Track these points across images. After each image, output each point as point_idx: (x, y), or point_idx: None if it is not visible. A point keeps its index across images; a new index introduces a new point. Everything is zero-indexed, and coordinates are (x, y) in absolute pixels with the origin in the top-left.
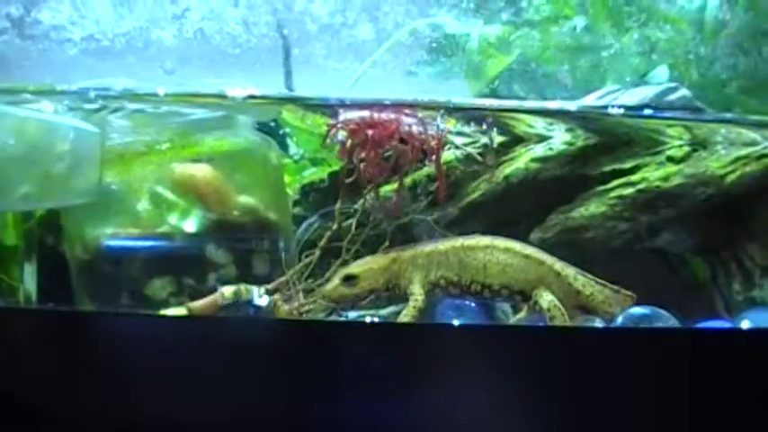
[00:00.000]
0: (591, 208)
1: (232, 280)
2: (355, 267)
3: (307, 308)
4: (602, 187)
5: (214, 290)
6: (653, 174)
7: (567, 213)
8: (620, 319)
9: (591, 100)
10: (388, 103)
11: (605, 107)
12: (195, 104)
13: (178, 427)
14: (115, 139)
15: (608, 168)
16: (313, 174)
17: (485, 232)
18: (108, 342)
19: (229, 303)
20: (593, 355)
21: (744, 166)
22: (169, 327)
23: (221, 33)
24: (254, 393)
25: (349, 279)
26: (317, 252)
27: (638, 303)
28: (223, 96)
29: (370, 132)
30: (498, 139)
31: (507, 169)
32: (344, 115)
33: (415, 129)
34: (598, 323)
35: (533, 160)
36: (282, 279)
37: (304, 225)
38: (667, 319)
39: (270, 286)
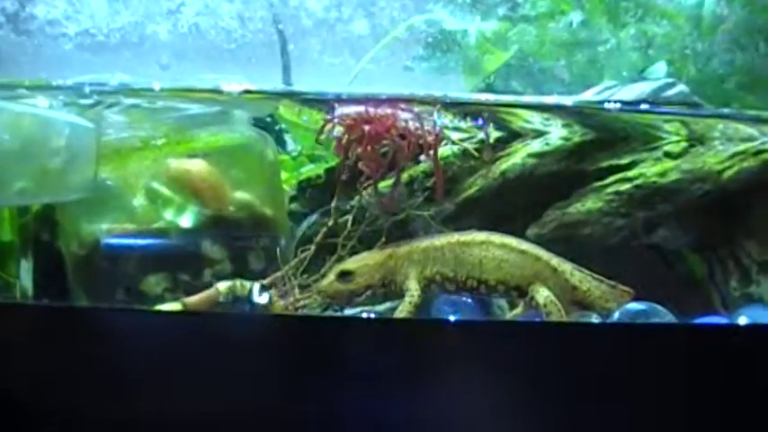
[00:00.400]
0: (587, 204)
1: (228, 276)
2: (351, 263)
3: (302, 303)
4: (599, 183)
5: (210, 286)
6: (650, 169)
7: (564, 209)
8: (616, 315)
9: (588, 96)
10: (384, 97)
11: (601, 102)
12: (191, 100)
13: (174, 423)
14: (111, 135)
15: (605, 164)
16: (310, 170)
17: (481, 228)
18: (104, 338)
19: (225, 299)
20: (589, 350)
21: (741, 162)
22: (165, 322)
23: (216, 28)
24: (250, 389)
25: (344, 275)
26: (313, 248)
27: (634, 299)
28: (218, 91)
29: (366, 128)
30: (495, 134)
31: (504, 165)
32: (340, 110)
33: (411, 124)
34: (594, 319)
35: (530, 156)
36: (278, 274)
37: (305, 222)
38: (664, 315)
39: (265, 282)
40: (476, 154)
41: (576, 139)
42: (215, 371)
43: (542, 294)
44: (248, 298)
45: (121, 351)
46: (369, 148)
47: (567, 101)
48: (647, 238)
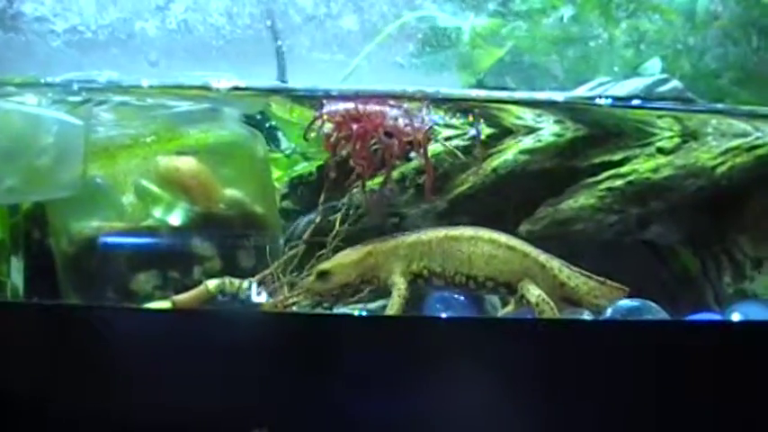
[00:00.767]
0: (580, 200)
1: (217, 273)
2: (328, 263)
3: (291, 301)
4: (592, 179)
5: (199, 283)
6: (643, 165)
7: (556, 206)
8: (609, 312)
9: (582, 92)
10: (375, 94)
11: (593, 98)
12: (180, 97)
13: (165, 421)
14: (100, 132)
15: (597, 160)
16: (303, 168)
17: (473, 225)
18: (95, 336)
19: (214, 296)
20: (582, 348)
21: (734, 158)
22: (155, 320)
23: (205, 25)
24: (241, 387)
25: (322, 275)
26: (301, 245)
27: (627, 296)
28: (207, 88)
29: (354, 126)
30: (487, 131)
31: (495, 161)
32: (328, 107)
33: (401, 121)
34: (586, 316)
35: (522, 152)
36: (266, 272)
37: (304, 220)
38: (657, 312)
39: (254, 279)
40: (460, 155)
41: (569, 135)
42: (205, 368)
43: (534, 293)
44: (237, 296)
45: (112, 349)
46: (358, 146)
47: (559, 97)
48: (639, 235)
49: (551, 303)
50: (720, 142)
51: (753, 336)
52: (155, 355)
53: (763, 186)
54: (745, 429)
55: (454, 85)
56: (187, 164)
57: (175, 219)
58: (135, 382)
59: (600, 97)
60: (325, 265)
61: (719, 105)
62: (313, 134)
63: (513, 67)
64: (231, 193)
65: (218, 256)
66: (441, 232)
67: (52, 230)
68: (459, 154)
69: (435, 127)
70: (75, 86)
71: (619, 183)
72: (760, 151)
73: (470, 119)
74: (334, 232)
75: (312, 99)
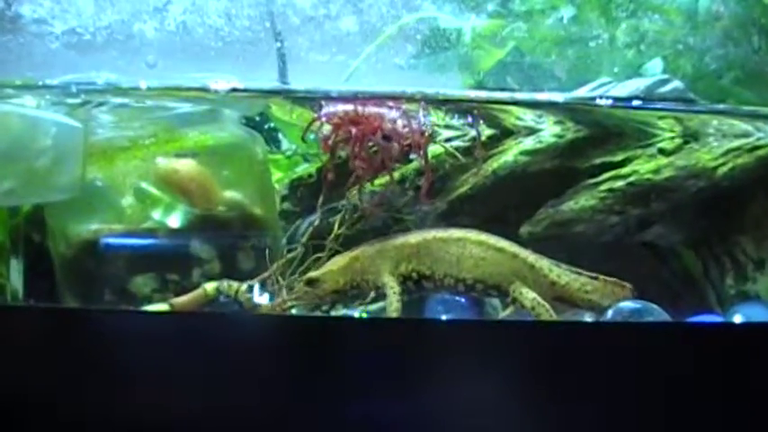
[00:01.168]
0: (581, 201)
1: (217, 276)
2: (317, 271)
3: (289, 304)
4: (593, 180)
5: (198, 286)
6: (643, 166)
7: (557, 207)
8: (610, 314)
9: (583, 93)
10: (375, 95)
11: (593, 99)
12: (180, 98)
13: (164, 424)
14: (99, 134)
15: (598, 161)
16: (303, 169)
17: (474, 226)
18: (94, 339)
19: (212, 299)
20: (582, 350)
21: (736, 159)
22: (155, 323)
23: (204, 26)
24: (239, 389)
25: (311, 282)
26: (300, 248)
27: (628, 297)
28: (206, 90)
29: (353, 129)
30: (487, 132)
31: (496, 163)
32: (327, 108)
33: (400, 122)
34: (587, 317)
35: (522, 153)
36: (265, 275)
37: (305, 222)
38: (659, 314)
39: (253, 282)
40: (460, 157)
41: (569, 136)
42: (205, 371)
43: (528, 297)
44: (236, 298)
45: (110, 352)
46: (357, 148)
47: (560, 98)
48: (641, 236)
49: (546, 305)
50: (722, 143)
51: (755, 337)
52: (153, 357)
53: (765, 187)
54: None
55: (454, 87)
56: (186, 166)
57: (174, 221)
58: (133, 384)
59: (601, 98)
60: (313, 273)
61: (721, 106)
62: (312, 136)
63: (514, 68)
64: (230, 194)
65: (218, 258)
66: (429, 234)
67: (51, 233)
68: (459, 156)
69: (435, 128)
70: (74, 88)
71: (620, 184)
72: (762, 152)
73: (470, 120)
74: (332, 236)
75: (311, 100)
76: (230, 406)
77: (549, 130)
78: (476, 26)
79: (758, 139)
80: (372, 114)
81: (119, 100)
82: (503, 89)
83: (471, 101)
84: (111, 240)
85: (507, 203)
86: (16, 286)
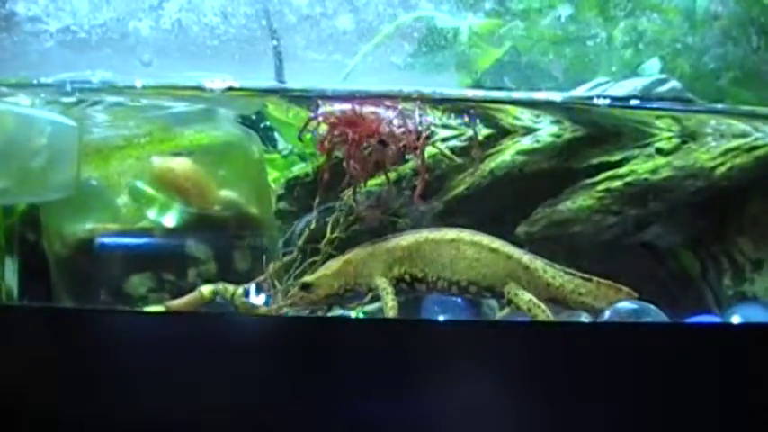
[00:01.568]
0: (578, 201)
1: (213, 276)
2: (311, 275)
3: (285, 310)
4: (590, 180)
5: (194, 286)
6: (641, 166)
7: (554, 207)
8: (607, 314)
9: (580, 92)
10: (371, 95)
11: (591, 98)
12: (176, 97)
13: (160, 424)
14: (94, 133)
15: (595, 161)
16: (300, 168)
17: (471, 226)
18: (89, 339)
19: (208, 302)
20: (580, 350)
21: (734, 159)
22: (151, 323)
23: (199, 24)
24: (237, 390)
25: (306, 287)
26: (296, 252)
27: (628, 296)
28: (201, 89)
29: (350, 132)
30: (484, 131)
31: (493, 162)
32: (323, 108)
33: (396, 123)
34: (585, 318)
35: (520, 153)
36: (261, 279)
37: (302, 222)
38: (656, 314)
39: (249, 285)
40: (456, 159)
41: (567, 136)
42: (202, 371)
43: (523, 298)
44: (232, 301)
45: (107, 352)
46: (353, 150)
47: (557, 97)
48: (638, 236)
49: (542, 306)
50: (720, 143)
51: (753, 338)
52: (149, 357)
53: (763, 187)
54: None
55: (451, 86)
56: (182, 165)
57: (170, 220)
58: (130, 384)
59: (598, 97)
60: (308, 278)
61: (719, 106)
62: (308, 136)
63: (511, 68)
64: (226, 194)
65: (213, 257)
66: (421, 236)
67: (46, 232)
68: (455, 158)
69: (432, 128)
70: (69, 87)
71: (617, 184)
72: (760, 152)
73: (467, 120)
74: (326, 239)
75: (308, 99)
76: (228, 407)
77: (547, 130)
78: (473, 25)
79: (756, 139)
80: (369, 116)
81: (114, 99)
82: (500, 88)
83: (468, 100)
84: (107, 240)
85: (504, 203)
86: (11, 286)
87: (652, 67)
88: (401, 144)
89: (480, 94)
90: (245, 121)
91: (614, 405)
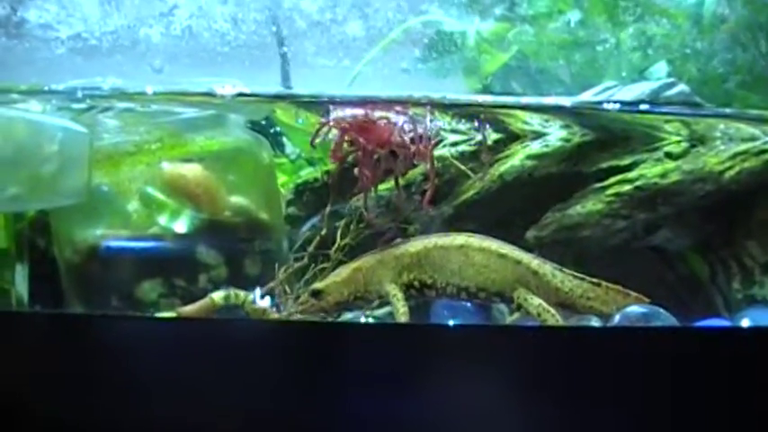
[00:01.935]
0: (588, 206)
1: (223, 281)
2: (321, 282)
3: (296, 316)
4: (599, 184)
5: (205, 291)
6: (650, 170)
7: (564, 211)
8: (617, 318)
9: (588, 96)
10: (382, 100)
11: (600, 103)
12: (186, 103)
13: (172, 429)
14: (104, 139)
15: (605, 165)
16: (308, 173)
17: (480, 231)
18: (102, 345)
19: (220, 308)
20: (589, 355)
21: (743, 162)
22: (163, 329)
23: (210, 31)
24: (248, 395)
25: (316, 294)
26: (306, 258)
27: (636, 301)
28: (212, 95)
29: (361, 140)
30: (494, 136)
31: (502, 167)
32: (335, 113)
33: (407, 127)
34: (594, 322)
35: (529, 157)
36: (272, 284)
37: (307, 225)
38: (666, 318)
39: (260, 292)
40: (465, 169)
41: (576, 140)
42: (212, 377)
43: (533, 303)
44: (243, 307)
45: (117, 358)
46: (364, 159)
47: (566, 101)
48: (648, 240)
49: (552, 311)
50: (728, 147)
51: (762, 342)
52: (160, 363)
53: None
54: None
55: (460, 91)
56: (192, 171)
57: (181, 226)
58: (140, 390)
59: (607, 102)
60: (318, 285)
61: (727, 109)
62: (318, 140)
63: (520, 72)
64: (237, 199)
65: (224, 263)
66: (430, 242)
67: (56, 238)
68: (464, 168)
69: (442, 133)
70: (80, 93)
71: (627, 188)
72: None
73: (477, 124)
74: (335, 246)
75: (317, 105)
76: (239, 413)
77: (556, 135)
78: (481, 30)
79: (765, 142)
80: (380, 123)
81: (124, 105)
82: (509, 93)
83: (477, 105)
84: (118, 246)
85: (514, 208)
86: (21, 292)
87: (660, 71)
88: (411, 152)
89: (489, 98)
90: (255, 127)
91: (625, 409)
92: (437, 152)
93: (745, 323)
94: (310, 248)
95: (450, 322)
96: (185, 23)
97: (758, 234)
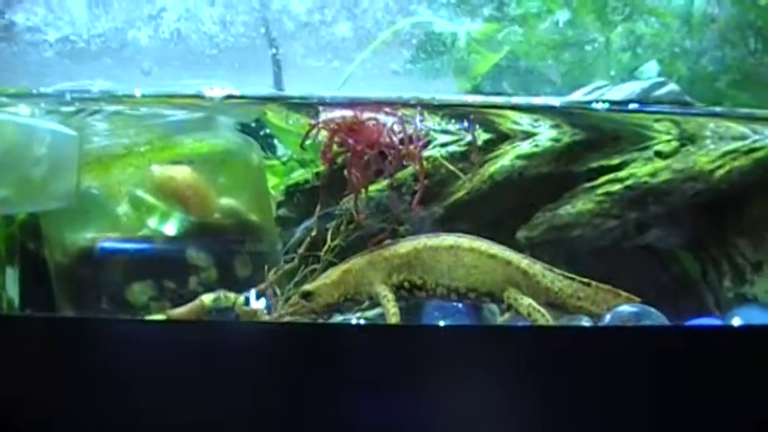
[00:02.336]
0: (578, 205)
1: (214, 283)
2: (311, 284)
3: (287, 318)
4: (590, 184)
5: (195, 294)
6: (641, 170)
7: (554, 211)
8: (608, 318)
9: (578, 96)
10: (371, 101)
11: (590, 102)
12: (175, 106)
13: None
14: (94, 142)
15: (595, 165)
16: (299, 175)
17: (471, 231)
18: (90, 347)
19: (210, 311)
20: (580, 354)
21: (733, 161)
22: (154, 331)
23: (198, 33)
24: (238, 397)
25: (306, 296)
26: (296, 259)
27: (626, 301)
28: (201, 97)
29: (351, 141)
30: (483, 136)
31: (492, 167)
32: (325, 115)
33: (397, 128)
34: (585, 322)
35: (519, 157)
36: (263, 286)
37: (301, 228)
38: (657, 317)
39: (250, 294)
40: (457, 171)
41: (566, 140)
42: (203, 379)
43: (523, 303)
44: (233, 309)
45: (108, 361)
46: (354, 161)
47: (556, 101)
48: (638, 240)
49: (542, 310)
50: (719, 145)
51: (753, 340)
52: (151, 365)
53: (763, 189)
54: None
55: (450, 91)
56: (182, 173)
57: (170, 228)
58: (131, 393)
59: (597, 101)
60: (308, 287)
61: (717, 108)
62: (310, 141)
63: (510, 72)
64: (226, 202)
65: (214, 265)
66: (420, 243)
67: (46, 241)
68: (454, 168)
69: (432, 133)
70: (69, 96)
71: (617, 187)
72: (758, 154)
73: (466, 125)
74: (326, 248)
75: (307, 107)
76: (229, 414)
77: (546, 134)
78: (471, 31)
79: (755, 141)
80: (369, 124)
81: (113, 108)
82: (498, 93)
83: (467, 105)
84: (108, 248)
85: (504, 208)
86: (12, 295)
87: (650, 70)
88: (401, 153)
89: (479, 99)
90: (245, 129)
91: (615, 408)
92: (427, 153)
93: (737, 322)
94: (300, 250)
95: (441, 323)
96: (174, 26)
97: (749, 232)
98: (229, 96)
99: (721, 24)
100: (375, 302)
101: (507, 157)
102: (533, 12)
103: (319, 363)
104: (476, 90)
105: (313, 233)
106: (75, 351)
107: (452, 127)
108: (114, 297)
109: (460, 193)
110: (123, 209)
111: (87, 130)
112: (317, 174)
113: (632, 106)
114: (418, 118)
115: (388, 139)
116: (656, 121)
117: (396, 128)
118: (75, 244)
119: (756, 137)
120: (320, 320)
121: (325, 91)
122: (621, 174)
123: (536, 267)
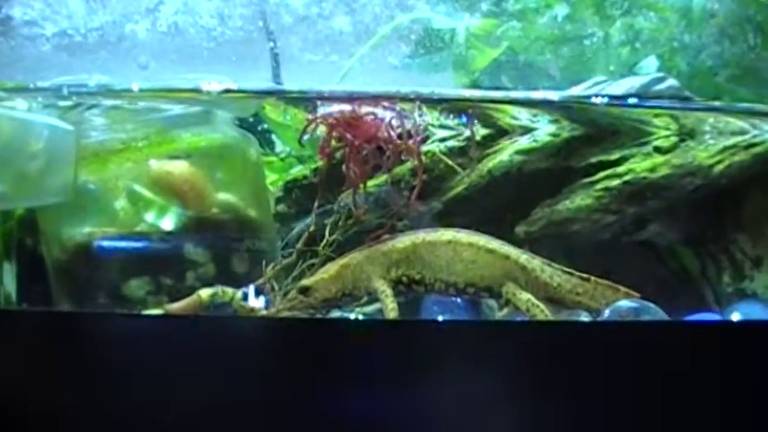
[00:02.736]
0: (577, 200)
1: (211, 279)
2: (309, 279)
3: (285, 313)
4: (588, 179)
5: (193, 289)
6: (640, 165)
7: (553, 206)
8: (606, 313)
9: (577, 91)
10: (370, 95)
11: (589, 97)
12: (173, 100)
13: (162, 427)
14: (91, 137)
15: (594, 160)
16: (298, 171)
17: (469, 226)
18: (88, 342)
19: (207, 306)
20: (579, 349)
21: (732, 156)
22: (152, 326)
23: (196, 27)
24: (237, 392)
25: (304, 291)
26: (294, 254)
27: (625, 296)
28: (198, 91)
29: (348, 136)
30: (482, 131)
31: (491, 162)
32: (323, 110)
33: (395, 122)
34: (584, 317)
35: (518, 152)
36: (261, 281)
37: (301, 224)
38: (655, 313)
39: (248, 289)
40: (456, 167)
41: (565, 135)
42: (202, 374)
43: (522, 299)
44: (231, 305)
45: (106, 356)
46: (352, 155)
47: (555, 96)
48: (637, 235)
49: (541, 305)
50: (718, 140)
51: (752, 335)
52: (149, 360)
53: (762, 184)
54: (745, 431)
55: (449, 86)
56: (179, 168)
57: (168, 223)
58: (129, 388)
59: (596, 96)
60: (306, 282)
61: (716, 103)
62: (307, 137)
63: (508, 67)
64: (224, 197)
65: (212, 260)
66: (418, 238)
67: (44, 237)
68: (453, 163)
69: (430, 128)
70: (66, 91)
71: (616, 182)
72: (758, 149)
73: (465, 119)
74: (324, 242)
75: (305, 101)
76: (227, 410)
77: (545, 129)
78: (470, 26)
79: (754, 136)
80: (368, 119)
81: (111, 102)
82: (497, 88)
83: (466, 100)
84: (105, 244)
85: (503, 203)
86: (10, 290)
87: (649, 65)
88: (400, 149)
89: (478, 93)
90: (243, 124)
91: (614, 404)
92: (426, 148)
93: (736, 317)
94: (298, 245)
95: (440, 318)
96: (171, 20)
97: (748, 228)
98: (227, 90)
99: (721, 19)
100: (373, 297)
101: (506, 153)
102: (532, 7)
103: (317, 358)
104: (475, 85)
105: (311, 228)
106: (72, 345)
107: (451, 122)
108: (111, 292)
109: (459, 189)
110: (120, 204)
111: (84, 124)
112: (315, 169)
113: (631, 101)
114: (417, 113)
115: (386, 134)
116: (656, 116)
117: (394, 122)
118: (73, 239)
119: (756, 132)
120: (318, 316)
121: (324, 85)
122: (620, 169)
123: (535, 262)
